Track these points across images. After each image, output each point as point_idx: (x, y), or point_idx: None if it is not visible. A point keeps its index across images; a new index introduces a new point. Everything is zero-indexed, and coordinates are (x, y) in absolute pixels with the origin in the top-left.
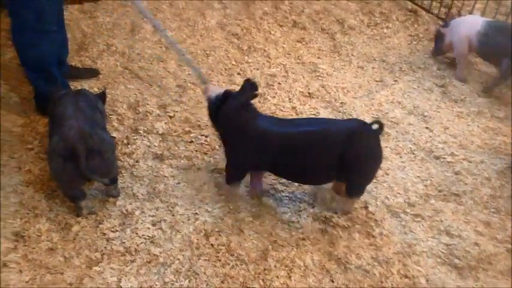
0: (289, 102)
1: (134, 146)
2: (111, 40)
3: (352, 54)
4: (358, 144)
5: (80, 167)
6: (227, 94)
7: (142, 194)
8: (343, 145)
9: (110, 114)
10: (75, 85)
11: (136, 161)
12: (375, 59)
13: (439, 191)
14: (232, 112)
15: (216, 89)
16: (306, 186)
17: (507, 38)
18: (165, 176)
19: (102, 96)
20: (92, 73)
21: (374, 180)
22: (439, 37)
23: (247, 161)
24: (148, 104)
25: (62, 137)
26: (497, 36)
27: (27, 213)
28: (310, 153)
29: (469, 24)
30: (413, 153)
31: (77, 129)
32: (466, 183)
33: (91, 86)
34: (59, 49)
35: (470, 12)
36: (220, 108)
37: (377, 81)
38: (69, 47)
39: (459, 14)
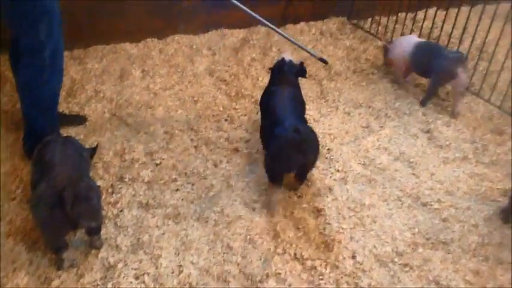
0: None
1: (119, 195)
2: (99, 86)
3: (338, 100)
4: None
5: (67, 213)
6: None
7: (125, 246)
8: None
9: (96, 162)
10: (62, 132)
11: (121, 211)
12: (361, 105)
13: (427, 239)
14: None
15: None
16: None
17: (433, 56)
18: (149, 226)
19: (93, 151)
20: (79, 120)
21: (362, 229)
22: (385, 52)
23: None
24: (134, 151)
25: (49, 184)
26: (424, 55)
27: (6, 267)
28: None
29: (404, 44)
30: (401, 200)
31: (65, 176)
32: (453, 231)
33: (78, 132)
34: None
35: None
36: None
37: (363, 127)
38: None
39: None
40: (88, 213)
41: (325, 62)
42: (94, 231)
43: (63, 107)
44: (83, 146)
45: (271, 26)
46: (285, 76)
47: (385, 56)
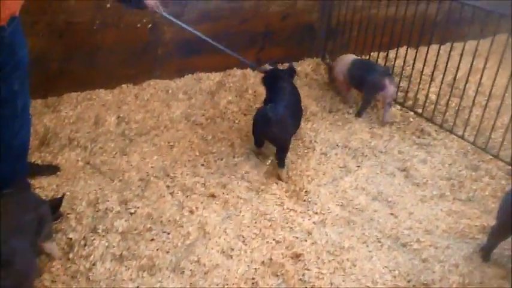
0: (251, 191)
1: (92, 247)
2: (73, 134)
3: (315, 141)
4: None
5: None
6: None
7: None
8: None
9: (68, 213)
10: (34, 183)
11: (93, 264)
12: (337, 145)
13: (408, 281)
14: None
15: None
16: None
17: (365, 71)
18: (123, 280)
19: (57, 202)
20: (51, 170)
21: (342, 273)
22: (329, 70)
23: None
24: (108, 201)
25: None
26: (358, 70)
27: None
28: None
29: (343, 62)
30: (380, 242)
31: None
32: (434, 271)
33: (50, 182)
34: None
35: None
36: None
37: (340, 167)
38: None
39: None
40: (10, 282)
41: (254, 68)
42: None
43: (35, 157)
44: (42, 201)
45: (207, 38)
46: (283, 77)
47: (330, 74)
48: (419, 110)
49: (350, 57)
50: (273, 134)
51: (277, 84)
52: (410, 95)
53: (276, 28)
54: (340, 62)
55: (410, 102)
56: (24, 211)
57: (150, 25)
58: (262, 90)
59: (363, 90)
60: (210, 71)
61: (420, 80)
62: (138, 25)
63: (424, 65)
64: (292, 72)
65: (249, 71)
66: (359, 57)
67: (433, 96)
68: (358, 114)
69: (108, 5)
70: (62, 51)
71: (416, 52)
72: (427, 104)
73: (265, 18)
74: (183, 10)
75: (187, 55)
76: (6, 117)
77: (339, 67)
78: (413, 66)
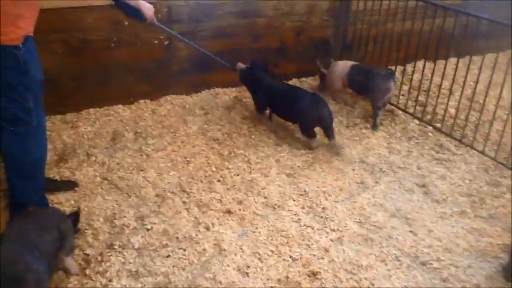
0: (268, 207)
1: (108, 264)
2: (91, 150)
3: (331, 156)
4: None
5: None
6: (253, 65)
7: None
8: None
9: (86, 229)
10: (52, 198)
11: (110, 280)
12: (355, 161)
13: None
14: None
15: (242, 64)
16: None
17: (367, 77)
18: None
19: (75, 217)
20: (69, 185)
21: None
22: (322, 77)
23: (262, 100)
24: (125, 217)
25: None
26: (359, 75)
27: None
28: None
29: (342, 67)
30: (399, 260)
31: (4, 254)
32: None
33: (68, 198)
34: None
35: None
36: (250, 73)
37: (358, 183)
38: (47, 159)
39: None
40: None
41: (232, 69)
42: None
43: (54, 172)
44: (63, 217)
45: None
46: (258, 72)
47: (322, 80)
48: (438, 125)
49: (348, 63)
50: (327, 111)
51: (256, 78)
52: (429, 109)
53: (291, 44)
54: (337, 68)
55: (428, 117)
56: (45, 228)
57: (166, 42)
58: None
59: (366, 95)
60: (227, 86)
61: (439, 94)
62: (155, 42)
63: (442, 78)
64: (265, 66)
65: None
66: (357, 63)
67: (452, 111)
68: (374, 126)
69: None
70: (79, 68)
71: (434, 66)
72: (446, 119)
73: (279, 34)
74: (197, 27)
75: (204, 71)
76: (20, 135)
77: (337, 73)
78: (431, 80)
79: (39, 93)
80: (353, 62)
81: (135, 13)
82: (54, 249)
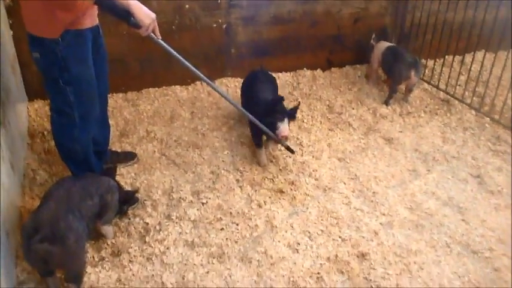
0: (319, 189)
1: (166, 233)
2: (151, 127)
3: (384, 143)
4: None
5: (31, 249)
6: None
7: (171, 283)
8: None
9: (145, 200)
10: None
11: (167, 248)
12: (407, 148)
13: None
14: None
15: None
16: None
17: (394, 59)
18: (194, 265)
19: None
20: (130, 156)
21: (408, 275)
22: (370, 48)
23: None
24: (182, 191)
25: (33, 216)
26: (389, 57)
27: None
28: None
29: (380, 47)
30: (449, 247)
31: (48, 212)
32: (506, 281)
33: (129, 171)
34: (99, 138)
35: None
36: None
37: (410, 170)
38: (111, 134)
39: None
40: (59, 257)
41: (291, 151)
42: (69, 278)
43: (116, 146)
44: (112, 188)
45: (210, 83)
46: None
47: (369, 53)
48: (496, 116)
49: (386, 44)
50: None
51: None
52: (487, 100)
53: (348, 31)
54: (378, 47)
55: (486, 108)
56: (89, 194)
57: (224, 25)
58: (333, 93)
59: (389, 76)
60: (281, 70)
61: (498, 85)
62: (214, 25)
63: (503, 70)
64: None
65: (319, 71)
66: (394, 45)
67: (510, 103)
68: (386, 102)
69: None
70: (142, 51)
71: (495, 57)
72: (504, 111)
73: (336, 20)
74: (256, 13)
75: (260, 55)
76: (65, 126)
77: (376, 52)
78: (491, 71)
79: (82, 90)
80: (390, 44)
81: (124, 15)
82: (93, 214)
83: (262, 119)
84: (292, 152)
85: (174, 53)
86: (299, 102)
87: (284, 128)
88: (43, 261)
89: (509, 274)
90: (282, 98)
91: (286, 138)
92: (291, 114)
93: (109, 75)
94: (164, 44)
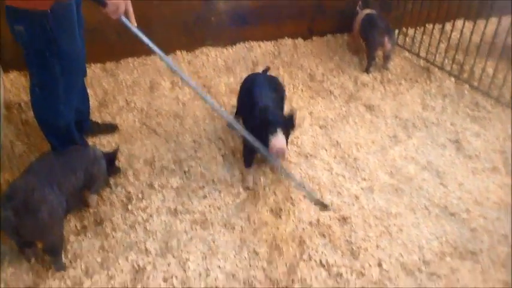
0: (301, 156)
1: (149, 201)
2: (130, 97)
3: (365, 110)
4: None
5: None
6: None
7: (154, 249)
8: None
9: (126, 169)
10: (94, 140)
11: (150, 216)
12: (388, 115)
13: (455, 249)
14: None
15: None
16: None
17: (369, 26)
18: (177, 231)
19: (112, 156)
20: (111, 128)
21: (388, 237)
22: (354, 15)
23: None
24: (164, 160)
25: (10, 185)
26: (366, 24)
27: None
28: None
29: (361, 14)
30: (428, 210)
31: (24, 183)
32: (482, 241)
33: (109, 141)
34: (81, 107)
35: None
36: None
37: (390, 136)
38: (90, 104)
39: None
40: (31, 228)
41: (325, 206)
42: (47, 251)
43: (95, 116)
44: (97, 158)
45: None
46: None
47: (353, 22)
48: (475, 83)
49: (366, 11)
50: None
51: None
52: (466, 68)
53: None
54: (360, 14)
55: (465, 75)
56: (72, 168)
57: None
58: (315, 63)
59: (365, 43)
60: (262, 39)
61: (476, 54)
62: None
63: (481, 39)
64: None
65: (300, 40)
66: (373, 12)
67: (489, 70)
68: (366, 70)
69: None
70: (117, 22)
71: (474, 25)
72: (483, 78)
73: None
74: None
75: (240, 24)
76: (48, 101)
77: (357, 19)
78: (470, 39)
79: (69, 65)
80: (372, 11)
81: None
82: (76, 189)
83: (254, 132)
84: (325, 207)
85: (152, 44)
86: (295, 111)
87: (276, 141)
88: (15, 231)
89: (485, 234)
90: (272, 106)
91: (283, 154)
92: (286, 124)
93: (86, 44)
94: (138, 32)
